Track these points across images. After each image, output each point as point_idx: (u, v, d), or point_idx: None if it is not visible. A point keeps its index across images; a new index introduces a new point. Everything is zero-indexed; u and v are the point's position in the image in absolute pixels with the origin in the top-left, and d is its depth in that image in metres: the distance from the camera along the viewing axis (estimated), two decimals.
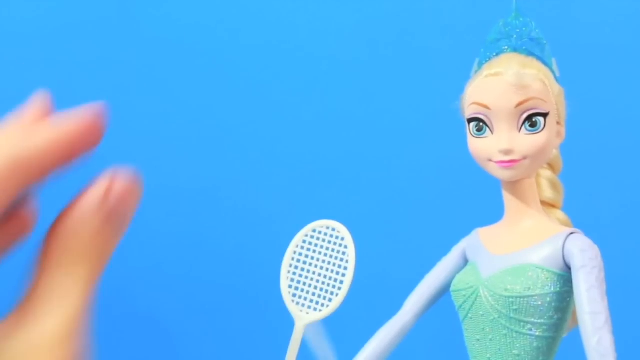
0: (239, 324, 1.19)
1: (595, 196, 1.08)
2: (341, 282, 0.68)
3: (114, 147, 1.23)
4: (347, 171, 1.17)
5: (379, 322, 0.72)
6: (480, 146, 0.67)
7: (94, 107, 0.27)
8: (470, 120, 0.67)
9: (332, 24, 1.19)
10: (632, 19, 1.11)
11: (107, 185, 0.27)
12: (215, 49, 1.22)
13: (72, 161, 0.26)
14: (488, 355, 0.67)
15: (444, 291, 0.72)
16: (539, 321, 0.65)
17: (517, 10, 0.70)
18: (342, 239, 0.69)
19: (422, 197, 1.14)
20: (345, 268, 0.68)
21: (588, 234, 0.66)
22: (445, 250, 0.73)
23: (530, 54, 0.68)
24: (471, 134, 0.68)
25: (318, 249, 0.69)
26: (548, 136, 0.66)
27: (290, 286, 0.69)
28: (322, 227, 0.70)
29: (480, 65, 0.69)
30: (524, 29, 0.69)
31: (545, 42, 0.69)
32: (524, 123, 0.66)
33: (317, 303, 0.68)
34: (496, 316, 0.65)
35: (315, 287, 0.69)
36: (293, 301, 0.69)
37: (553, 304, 0.65)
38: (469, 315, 0.67)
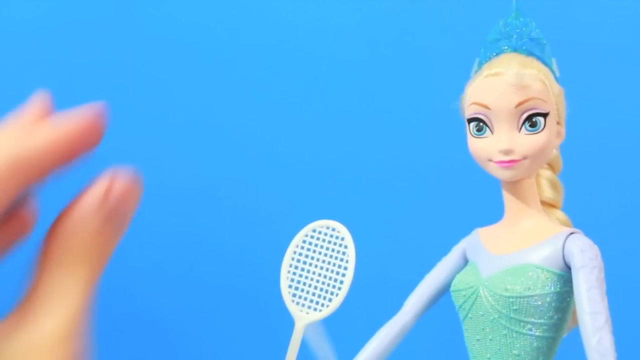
0: (239, 324, 1.19)
1: (595, 196, 1.08)
2: (341, 282, 0.68)
3: (114, 147, 1.23)
4: (347, 171, 1.17)
5: (379, 322, 0.72)
6: (480, 146, 0.67)
7: (94, 107, 0.27)
8: (470, 120, 0.67)
9: (332, 24, 1.19)
10: (632, 19, 1.11)
11: (107, 186, 0.27)
12: (215, 49, 1.22)
13: (72, 161, 0.26)
14: (488, 355, 0.67)
15: (444, 291, 0.72)
16: (539, 321, 0.65)
17: (517, 10, 0.70)
18: (342, 239, 0.69)
19: (422, 197, 1.14)
20: (345, 268, 0.68)
21: (588, 234, 0.66)
22: (445, 250, 0.73)
23: (530, 54, 0.68)
24: (471, 134, 0.67)
25: (318, 249, 0.69)
26: (548, 136, 0.66)
27: (290, 286, 0.69)
28: (322, 227, 0.70)
29: (480, 65, 0.69)
30: (524, 29, 0.69)
31: (545, 42, 0.69)
32: (524, 123, 0.66)
33: (317, 303, 0.68)
34: (496, 316, 0.65)
35: (315, 287, 0.69)
36: (293, 301, 0.69)
37: (553, 304, 0.65)
38: (469, 315, 0.67)
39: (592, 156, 1.07)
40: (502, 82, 0.66)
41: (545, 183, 0.71)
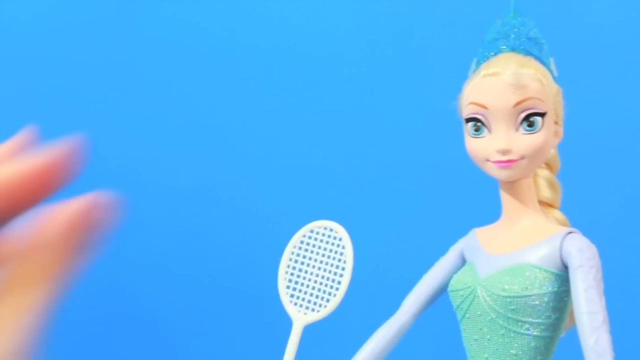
0: (236, 324, 1.19)
1: (593, 196, 1.08)
2: (339, 283, 0.68)
3: (115, 146, 1.24)
4: (345, 172, 1.17)
5: (377, 322, 0.72)
6: (478, 146, 0.67)
7: (70, 143, 0.26)
8: (467, 120, 0.67)
9: (331, 24, 1.19)
10: (630, 18, 1.11)
11: (75, 213, 0.25)
12: (215, 49, 1.22)
13: (39, 197, 0.25)
14: (486, 355, 0.67)
15: (442, 291, 0.72)
16: (537, 321, 0.65)
17: (515, 10, 0.70)
18: (340, 239, 0.69)
19: (419, 197, 1.14)
20: (343, 268, 0.68)
21: (586, 233, 0.66)
22: (443, 250, 0.73)
23: (528, 53, 0.67)
24: (469, 134, 0.67)
25: (316, 250, 0.69)
26: (546, 136, 0.66)
27: (288, 287, 0.69)
28: (319, 227, 0.70)
29: (478, 64, 0.69)
30: (521, 28, 0.69)
31: (543, 41, 0.69)
32: (521, 123, 0.65)
33: (315, 304, 0.68)
34: (494, 316, 0.65)
35: (313, 288, 0.69)
36: (291, 302, 0.69)
37: (551, 304, 0.65)
38: (467, 315, 0.67)
39: (590, 156, 1.07)
40: (500, 82, 0.66)
41: (543, 183, 0.71)
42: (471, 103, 0.67)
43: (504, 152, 0.65)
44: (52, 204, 0.26)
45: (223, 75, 1.22)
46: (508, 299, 0.65)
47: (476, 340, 0.67)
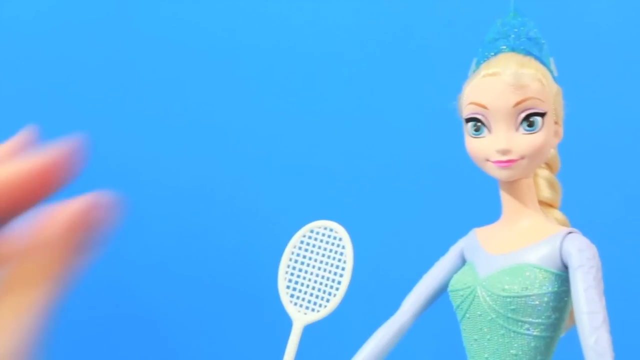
0: (236, 324, 1.19)
1: (593, 196, 1.08)
2: (339, 283, 0.68)
3: (115, 146, 1.24)
4: (345, 172, 1.17)
5: (377, 323, 0.72)
6: (478, 146, 0.67)
7: (70, 143, 0.26)
8: (467, 120, 0.67)
9: (331, 24, 1.19)
10: (630, 18, 1.11)
11: (75, 213, 0.25)
12: (215, 49, 1.22)
13: (38, 198, 0.25)
14: (486, 355, 0.67)
15: (442, 291, 0.72)
16: (537, 321, 0.65)
17: (515, 10, 0.70)
18: (340, 239, 0.69)
19: (419, 197, 1.14)
20: (343, 268, 0.68)
21: (586, 233, 0.66)
22: (443, 250, 0.73)
23: (528, 53, 0.67)
24: (469, 134, 0.67)
25: (316, 250, 0.69)
26: (546, 136, 0.66)
27: (288, 287, 0.69)
28: (319, 227, 0.70)
29: (478, 64, 0.69)
30: (522, 28, 0.69)
31: (543, 41, 0.69)
32: (521, 123, 0.66)
33: (314, 304, 0.68)
34: (494, 316, 0.65)
35: (313, 288, 0.69)
36: (291, 302, 0.69)
37: (550, 304, 0.65)
38: (467, 315, 0.67)
39: (590, 156, 1.07)
40: (500, 82, 0.66)
41: (543, 183, 0.71)
42: (471, 103, 0.67)
43: (504, 152, 0.65)
44: (52, 204, 0.26)
45: (223, 75, 1.22)
46: (508, 299, 0.65)
47: (476, 340, 0.67)
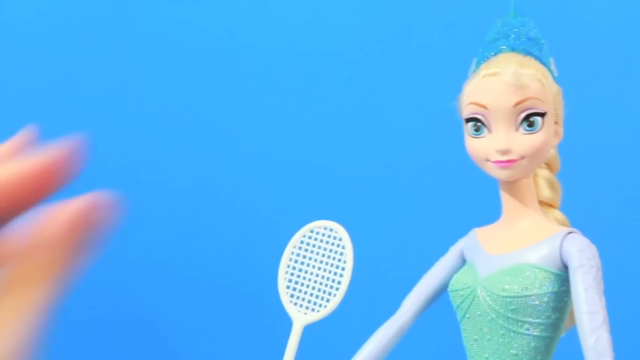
0: (237, 324, 1.19)
1: (593, 196, 1.08)
2: (339, 283, 0.68)
3: (115, 146, 1.24)
4: (345, 171, 1.17)
5: (377, 323, 0.72)
6: (478, 146, 0.67)
7: (69, 143, 0.26)
8: (467, 120, 0.67)
9: (331, 24, 1.19)
10: (630, 18, 1.11)
11: (75, 213, 0.25)
12: (215, 49, 1.22)
13: (39, 197, 0.25)
14: (486, 355, 0.67)
15: (442, 291, 0.72)
16: (537, 321, 0.65)
17: (515, 10, 0.70)
18: (340, 239, 0.69)
19: (419, 197, 1.14)
20: (343, 268, 0.68)
21: (586, 233, 0.66)
22: (443, 250, 0.73)
23: (528, 53, 0.68)
24: (469, 134, 0.68)
25: (316, 250, 0.69)
26: (546, 136, 0.66)
27: (288, 287, 0.69)
28: (319, 227, 0.70)
29: (478, 65, 0.69)
30: (522, 28, 0.69)
31: (543, 41, 0.69)
32: (521, 123, 0.66)
33: (314, 304, 0.68)
34: (494, 316, 0.65)
35: (313, 288, 0.69)
36: (291, 302, 0.69)
37: (550, 304, 0.65)
38: (467, 315, 0.67)
39: (590, 156, 1.07)
40: (500, 82, 0.66)
41: (543, 183, 0.71)
42: (471, 103, 0.67)
43: (504, 152, 0.65)
44: (52, 204, 0.26)
45: (223, 75, 1.22)
46: (508, 299, 0.65)
47: (476, 340, 0.67)
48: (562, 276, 0.65)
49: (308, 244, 0.70)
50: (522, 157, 0.66)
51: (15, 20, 1.25)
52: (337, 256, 0.69)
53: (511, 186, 0.68)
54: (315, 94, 1.19)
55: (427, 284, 0.73)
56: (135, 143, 1.22)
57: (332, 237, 0.69)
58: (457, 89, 0.69)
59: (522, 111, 0.65)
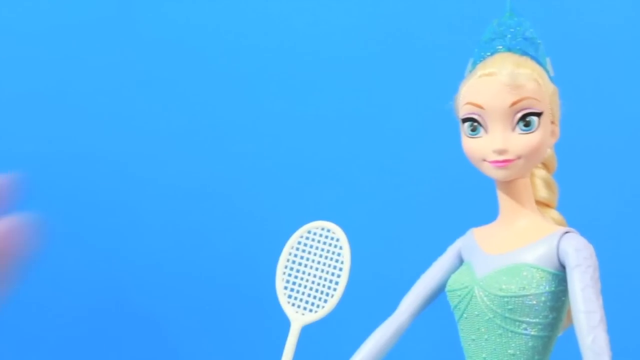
0: (234, 325, 1.19)
1: (590, 195, 1.08)
2: (336, 283, 0.68)
3: (115, 146, 1.24)
4: (342, 172, 1.17)
5: (375, 323, 0.72)
6: (475, 146, 0.67)
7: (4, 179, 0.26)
8: (464, 120, 0.67)
9: (330, 24, 1.19)
10: (627, 18, 1.11)
11: None
12: (215, 49, 1.22)
13: None
14: (484, 355, 0.67)
15: (440, 291, 0.72)
16: (534, 320, 0.65)
17: (511, 10, 0.70)
18: (337, 239, 0.69)
19: (417, 198, 1.14)
20: (341, 269, 0.68)
21: (583, 233, 0.67)
22: (440, 250, 0.73)
23: (524, 53, 0.68)
24: (465, 134, 0.68)
25: (313, 250, 0.70)
26: (542, 136, 0.66)
27: (285, 287, 0.69)
28: (317, 228, 0.70)
29: (474, 65, 0.69)
30: (518, 28, 0.69)
31: (539, 41, 0.69)
32: (518, 123, 0.66)
33: (312, 304, 0.68)
34: (491, 316, 0.66)
35: (311, 288, 0.69)
36: (289, 302, 0.69)
37: (548, 303, 0.65)
38: (464, 315, 0.68)
39: (586, 155, 1.07)
40: (496, 82, 0.66)
41: (540, 182, 0.71)
42: (467, 103, 0.67)
43: (501, 152, 0.66)
44: None
45: (223, 75, 1.22)
46: (505, 299, 0.65)
47: (474, 340, 0.67)
48: (560, 276, 0.65)
49: (305, 244, 0.70)
50: (519, 157, 0.66)
51: (15, 20, 1.25)
52: (335, 257, 0.69)
53: (508, 186, 0.68)
54: (314, 95, 1.19)
55: (424, 284, 0.73)
56: (135, 143, 1.22)
57: (329, 238, 0.69)
58: (454, 89, 0.70)
59: (519, 111, 0.65)
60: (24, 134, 1.22)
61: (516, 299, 0.65)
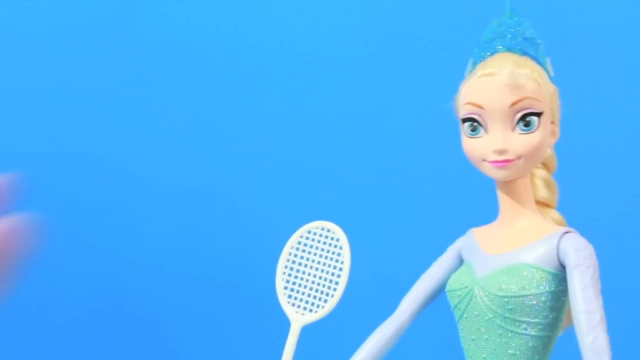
0: (234, 325, 1.19)
1: (590, 195, 1.08)
2: (336, 283, 0.68)
3: (115, 146, 1.24)
4: (342, 172, 1.17)
5: (375, 323, 0.72)
6: (475, 146, 0.67)
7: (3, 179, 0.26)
8: (464, 120, 0.67)
9: (330, 24, 1.19)
10: (626, 18, 1.11)
11: None
12: (215, 49, 1.22)
13: None
14: (484, 355, 0.67)
15: (440, 291, 0.72)
16: (534, 320, 0.65)
17: (511, 10, 0.70)
18: (337, 239, 0.69)
19: (417, 198, 1.14)
20: (341, 269, 0.68)
21: (583, 233, 0.67)
22: (440, 250, 0.73)
23: (524, 53, 0.68)
24: (465, 134, 0.68)
25: (313, 250, 0.70)
26: (542, 136, 0.66)
27: (285, 287, 0.69)
28: (317, 228, 0.70)
29: (474, 65, 0.69)
30: (518, 28, 0.69)
31: (539, 41, 0.69)
32: (518, 123, 0.66)
33: (312, 304, 0.68)
34: (491, 316, 0.66)
35: (311, 289, 0.69)
36: (289, 302, 0.69)
37: (548, 303, 0.65)
38: (464, 315, 0.68)
39: (586, 155, 1.07)
40: (496, 82, 0.66)
41: (540, 182, 0.71)
42: (467, 103, 0.67)
43: (501, 152, 0.66)
44: None
45: (223, 75, 1.22)
46: (505, 299, 0.65)
47: (474, 340, 0.67)
48: (559, 276, 0.65)
49: (305, 244, 0.70)
50: (519, 157, 0.66)
51: (15, 20, 1.25)
52: (335, 257, 0.69)
53: (508, 186, 0.68)
54: (314, 95, 1.19)
55: (424, 284, 0.73)
56: (135, 143, 1.22)
57: (329, 238, 0.69)
58: (454, 89, 0.70)
59: (519, 111, 0.65)
60: (24, 134, 1.22)
61: (516, 299, 0.65)
